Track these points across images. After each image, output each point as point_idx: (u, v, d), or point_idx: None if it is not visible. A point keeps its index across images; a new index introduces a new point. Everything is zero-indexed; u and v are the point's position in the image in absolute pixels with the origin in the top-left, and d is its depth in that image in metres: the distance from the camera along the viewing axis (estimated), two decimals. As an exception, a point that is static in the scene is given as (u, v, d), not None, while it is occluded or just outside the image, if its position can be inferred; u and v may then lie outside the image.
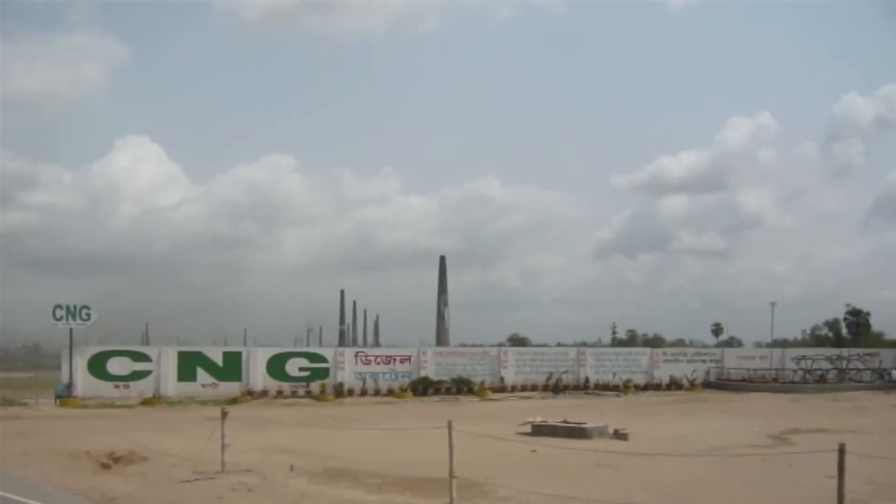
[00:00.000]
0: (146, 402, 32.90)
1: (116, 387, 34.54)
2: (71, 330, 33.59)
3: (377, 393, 37.36)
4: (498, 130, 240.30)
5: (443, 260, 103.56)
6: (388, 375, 38.54)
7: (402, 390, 37.29)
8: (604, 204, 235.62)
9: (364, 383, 37.63)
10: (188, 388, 35.24)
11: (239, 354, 37.23)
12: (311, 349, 46.01)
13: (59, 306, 33.48)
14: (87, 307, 33.95)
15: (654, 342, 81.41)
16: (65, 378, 33.69)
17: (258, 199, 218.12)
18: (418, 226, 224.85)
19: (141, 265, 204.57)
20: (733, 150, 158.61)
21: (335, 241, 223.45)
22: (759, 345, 74.69)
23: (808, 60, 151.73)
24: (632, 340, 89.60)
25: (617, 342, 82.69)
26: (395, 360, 39.36)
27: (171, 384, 35.08)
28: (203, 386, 35.69)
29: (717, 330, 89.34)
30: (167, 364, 35.25)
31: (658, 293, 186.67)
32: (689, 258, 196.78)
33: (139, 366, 35.12)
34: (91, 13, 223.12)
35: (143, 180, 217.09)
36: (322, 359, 38.18)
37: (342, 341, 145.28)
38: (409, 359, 39.41)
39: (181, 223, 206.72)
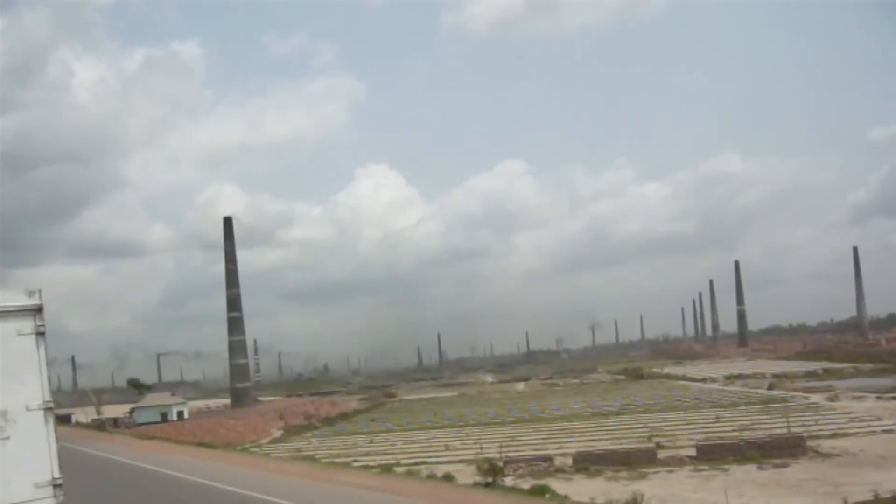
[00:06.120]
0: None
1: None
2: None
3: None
4: (734, 103, 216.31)
5: None
6: None
7: None
8: (858, 163, 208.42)
9: None
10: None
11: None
12: None
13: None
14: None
15: None
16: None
17: (492, 208, 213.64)
18: (654, 213, 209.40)
19: (388, 285, 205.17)
20: None
21: (569, 240, 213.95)
22: None
23: None
24: None
25: None
26: None
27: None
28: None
29: None
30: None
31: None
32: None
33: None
34: (333, 56, 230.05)
35: (383, 204, 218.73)
36: None
37: (741, 325, 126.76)
38: None
39: (421, 241, 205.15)
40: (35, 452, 8.60)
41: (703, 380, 68.46)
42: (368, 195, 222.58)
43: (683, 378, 73.54)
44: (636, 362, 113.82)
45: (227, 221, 67.67)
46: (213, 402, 76.76)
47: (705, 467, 23.22)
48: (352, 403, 72.36)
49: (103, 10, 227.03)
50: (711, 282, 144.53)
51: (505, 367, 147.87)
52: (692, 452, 26.03)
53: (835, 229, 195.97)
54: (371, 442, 38.86)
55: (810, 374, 64.89)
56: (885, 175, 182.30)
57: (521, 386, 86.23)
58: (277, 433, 48.36)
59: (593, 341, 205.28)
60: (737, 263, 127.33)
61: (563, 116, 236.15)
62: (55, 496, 8.58)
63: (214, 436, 43.91)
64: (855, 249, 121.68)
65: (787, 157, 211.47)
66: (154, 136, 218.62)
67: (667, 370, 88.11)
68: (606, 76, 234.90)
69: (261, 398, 78.55)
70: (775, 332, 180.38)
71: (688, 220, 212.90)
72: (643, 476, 22.54)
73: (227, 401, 70.90)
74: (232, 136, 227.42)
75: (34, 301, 8.86)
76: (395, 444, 36.96)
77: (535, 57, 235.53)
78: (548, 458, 25.27)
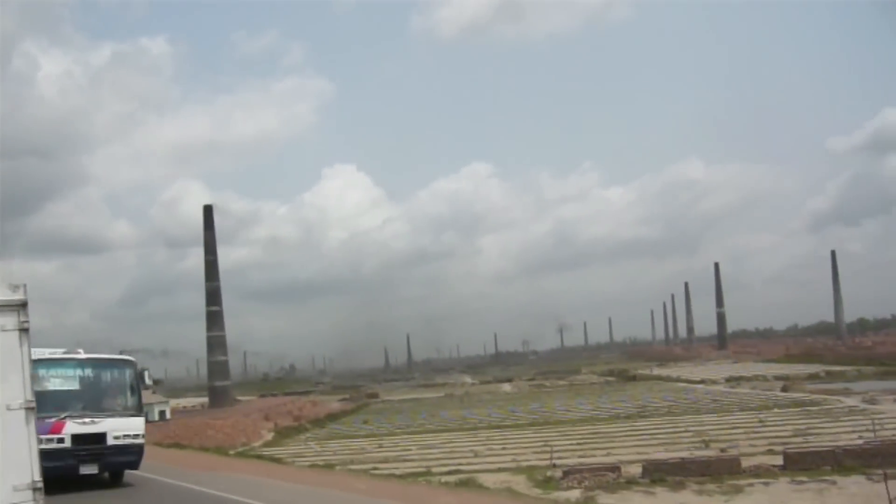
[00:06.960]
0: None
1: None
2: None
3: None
4: (699, 110, 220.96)
5: None
6: None
7: None
8: (817, 172, 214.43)
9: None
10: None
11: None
12: None
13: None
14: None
15: None
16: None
17: (459, 210, 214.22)
18: (619, 217, 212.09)
19: (354, 286, 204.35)
20: None
21: (534, 243, 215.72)
22: None
23: None
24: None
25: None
26: None
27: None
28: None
29: None
30: None
31: (887, 261, 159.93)
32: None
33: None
34: (302, 56, 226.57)
35: (350, 204, 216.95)
36: None
37: (720, 327, 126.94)
38: None
39: (387, 242, 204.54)
40: (15, 454, 8.22)
41: (702, 381, 66.32)
42: (335, 195, 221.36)
43: (679, 380, 71.55)
44: (612, 364, 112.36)
45: (208, 210, 63.65)
46: (186, 402, 72.52)
47: (804, 478, 20.34)
48: (334, 404, 69.01)
49: (71, 5, 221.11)
50: (686, 284, 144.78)
51: (474, 368, 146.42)
52: (768, 460, 23.27)
53: (796, 235, 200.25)
54: (380, 447, 35.53)
55: (813, 377, 63.28)
56: (843, 184, 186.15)
57: (507, 387, 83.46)
58: (268, 435, 44.72)
59: (561, 343, 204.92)
60: (717, 266, 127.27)
61: (530, 120, 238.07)
62: (35, 500, 8.33)
63: (203, 438, 40.41)
64: (833, 253, 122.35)
65: (750, 164, 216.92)
66: (120, 132, 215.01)
67: (655, 372, 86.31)
68: (573, 81, 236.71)
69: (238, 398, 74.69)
70: (743, 335, 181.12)
71: (652, 225, 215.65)
72: (738, 489, 19.57)
73: (204, 399, 66.84)
74: (199, 133, 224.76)
75: (18, 296, 8.54)
76: (409, 449, 33.65)
77: (504, 61, 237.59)
78: (615, 468, 22.27)
